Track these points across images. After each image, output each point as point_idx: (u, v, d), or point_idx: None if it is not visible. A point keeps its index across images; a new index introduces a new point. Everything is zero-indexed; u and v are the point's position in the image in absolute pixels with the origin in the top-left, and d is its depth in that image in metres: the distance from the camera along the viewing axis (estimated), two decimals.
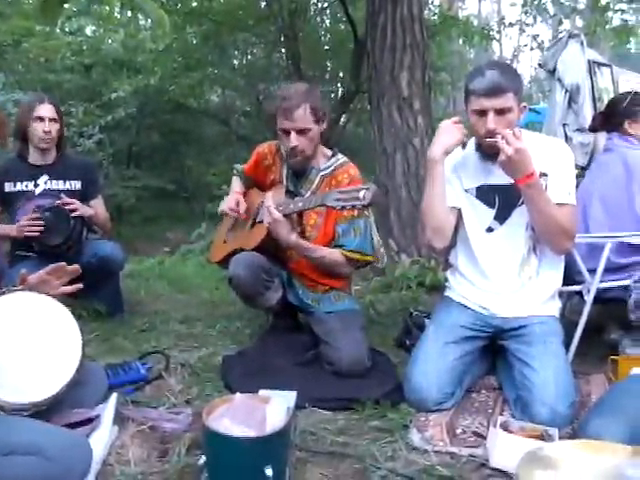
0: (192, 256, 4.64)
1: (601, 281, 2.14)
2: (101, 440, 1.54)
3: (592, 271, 2.15)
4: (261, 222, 2.13)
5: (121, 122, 7.06)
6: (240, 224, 2.38)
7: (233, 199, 2.33)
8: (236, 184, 2.48)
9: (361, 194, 1.77)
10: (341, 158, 2.26)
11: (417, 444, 1.60)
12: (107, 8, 7.20)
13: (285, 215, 2.02)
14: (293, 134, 2.10)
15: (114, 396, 1.73)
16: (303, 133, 2.10)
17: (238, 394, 1.50)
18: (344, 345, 2.03)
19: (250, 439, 1.32)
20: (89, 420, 1.58)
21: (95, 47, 7.16)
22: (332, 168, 2.23)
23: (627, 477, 1.09)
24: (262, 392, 1.73)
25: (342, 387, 1.93)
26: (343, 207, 1.82)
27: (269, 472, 1.30)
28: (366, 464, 1.49)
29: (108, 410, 1.66)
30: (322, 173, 2.23)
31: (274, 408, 1.42)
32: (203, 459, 1.37)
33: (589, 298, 2.17)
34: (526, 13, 7.51)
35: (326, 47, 8.65)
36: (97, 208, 2.73)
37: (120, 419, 1.70)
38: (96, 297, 2.71)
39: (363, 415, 1.77)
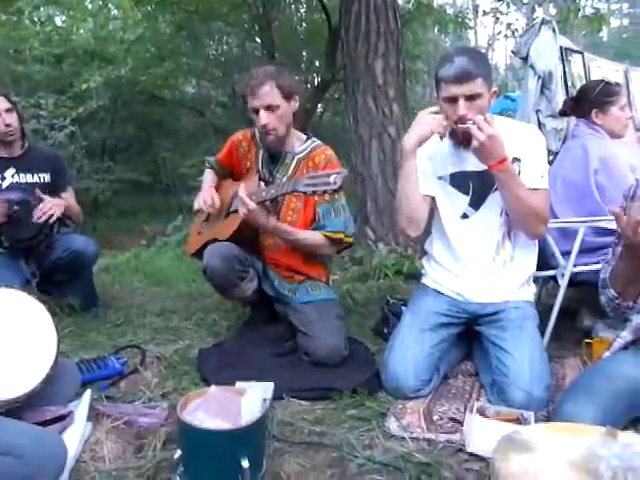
0: (168, 249, 4.59)
1: (575, 265, 2.16)
2: (74, 437, 1.51)
3: (565, 254, 2.17)
4: (235, 212, 2.11)
5: (94, 114, 6.96)
6: (214, 215, 2.35)
7: (208, 195, 2.30)
8: (208, 177, 2.45)
9: (332, 178, 1.76)
10: (316, 141, 2.27)
11: (394, 432, 1.60)
12: None
13: (258, 203, 2.00)
14: (262, 112, 2.09)
15: (88, 392, 1.70)
16: (271, 110, 2.10)
17: (213, 386, 1.48)
18: (321, 335, 2.02)
19: (225, 431, 1.31)
20: (62, 417, 1.55)
21: (65, 37, 7.00)
22: (308, 150, 2.23)
23: (600, 457, 1.11)
24: (239, 384, 1.72)
25: (320, 377, 1.92)
26: (314, 192, 1.82)
27: (245, 464, 1.28)
28: (343, 453, 1.49)
29: (82, 406, 1.63)
30: (298, 156, 2.23)
31: (249, 399, 1.40)
32: (178, 453, 1.35)
33: (563, 282, 2.20)
34: (499, 0, 7.53)
35: (301, 36, 8.59)
36: (68, 200, 2.67)
37: (94, 415, 1.67)
38: (69, 292, 2.67)
39: (341, 404, 1.77)
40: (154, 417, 1.68)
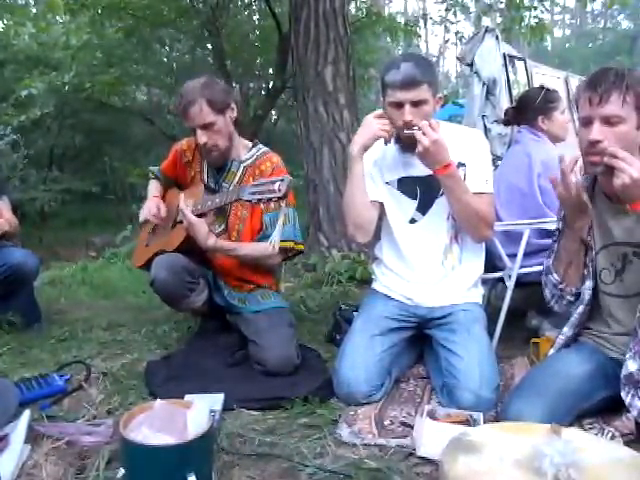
0: (118, 260, 4.46)
1: (521, 266, 2.21)
2: (10, 461, 1.43)
3: (510, 256, 2.22)
4: (181, 222, 2.06)
5: (39, 122, 6.73)
6: (161, 226, 2.29)
7: (153, 204, 2.24)
8: (153, 187, 2.39)
9: (276, 186, 1.76)
10: (262, 148, 2.24)
11: (346, 438, 1.59)
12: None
13: (202, 214, 1.96)
14: (199, 131, 2.06)
15: (26, 412, 1.61)
16: (207, 128, 2.06)
17: (158, 400, 1.43)
18: (272, 344, 1.99)
19: (169, 447, 1.26)
20: None
21: (6, 42, 6.74)
22: (254, 158, 2.20)
23: (544, 454, 1.12)
24: (188, 397, 1.68)
25: (271, 386, 1.89)
26: (259, 200, 1.80)
27: (192, 479, 1.25)
28: (294, 463, 1.46)
29: (19, 428, 1.54)
30: (244, 164, 2.20)
31: (196, 412, 1.36)
32: (122, 472, 1.30)
33: (510, 284, 2.24)
34: (447, 10, 7.73)
35: (255, 43, 8.55)
36: (2, 210, 2.55)
37: (33, 436, 1.58)
38: (10, 308, 2.55)
39: (292, 413, 1.74)
40: (98, 435, 1.61)
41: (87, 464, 1.49)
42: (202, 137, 2.05)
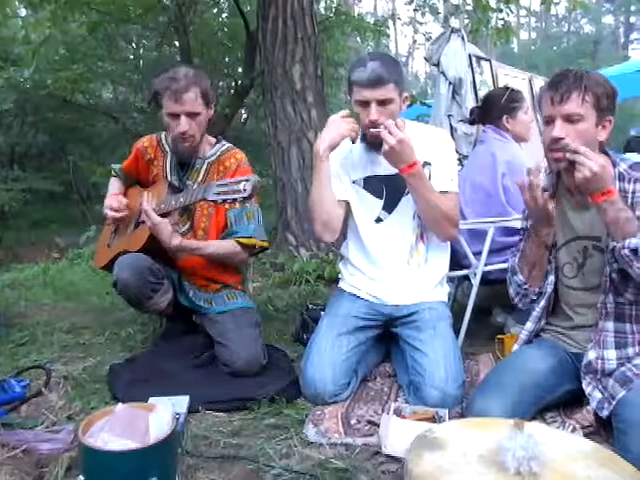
0: (81, 261, 4.35)
1: (486, 264, 2.24)
2: None
3: (475, 254, 2.25)
4: (144, 223, 2.02)
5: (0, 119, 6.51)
6: (123, 226, 2.24)
7: (112, 199, 2.17)
8: (114, 186, 2.33)
9: (241, 186, 1.74)
10: (226, 144, 2.22)
11: (312, 438, 1.58)
12: None
13: (166, 213, 1.92)
14: (183, 118, 2.01)
15: None
16: (193, 117, 2.03)
17: (119, 404, 1.39)
18: (238, 345, 1.97)
19: (130, 452, 1.23)
20: None
21: None
22: (218, 154, 2.18)
23: (506, 449, 1.13)
24: (152, 399, 1.64)
25: (238, 387, 1.87)
26: (224, 200, 1.78)
27: None
28: (259, 464, 1.45)
29: None
30: (208, 160, 2.17)
31: (158, 416, 1.33)
32: (81, 479, 1.26)
33: (475, 281, 2.27)
34: (415, 10, 7.80)
35: (224, 41, 8.46)
36: None
37: None
38: None
39: (259, 414, 1.73)
40: (57, 442, 1.56)
41: (45, 473, 1.45)
42: (184, 125, 2.02)
